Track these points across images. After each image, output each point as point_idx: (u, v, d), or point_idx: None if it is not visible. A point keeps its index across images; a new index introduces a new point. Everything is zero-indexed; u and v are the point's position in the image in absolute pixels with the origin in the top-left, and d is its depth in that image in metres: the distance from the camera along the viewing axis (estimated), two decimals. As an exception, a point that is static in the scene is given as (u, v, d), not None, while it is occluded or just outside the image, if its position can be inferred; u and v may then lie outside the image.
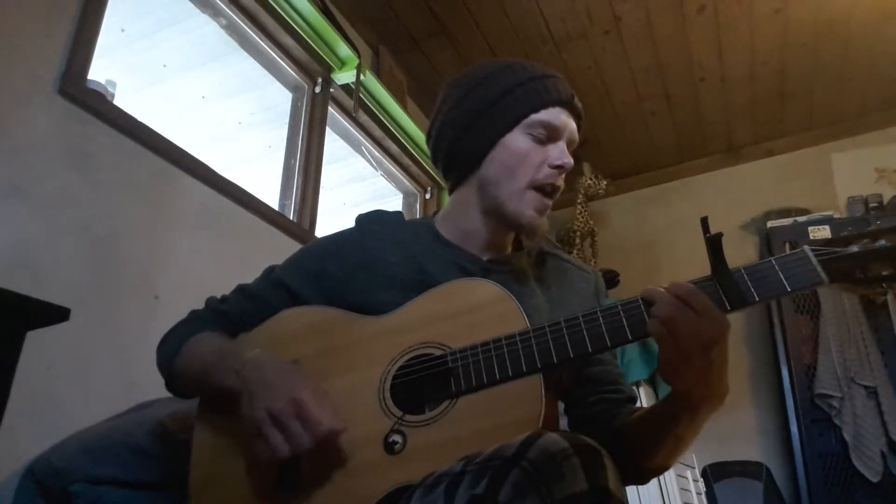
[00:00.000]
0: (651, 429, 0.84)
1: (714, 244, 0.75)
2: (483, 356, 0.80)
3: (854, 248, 0.74)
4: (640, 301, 0.77)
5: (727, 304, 0.74)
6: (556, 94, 0.95)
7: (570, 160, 0.93)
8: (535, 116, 0.93)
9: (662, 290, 0.74)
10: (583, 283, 1.03)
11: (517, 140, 0.93)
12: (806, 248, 0.75)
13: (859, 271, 0.73)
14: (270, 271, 1.03)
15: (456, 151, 0.98)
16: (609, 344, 0.77)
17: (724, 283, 0.75)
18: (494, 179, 0.94)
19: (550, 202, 0.94)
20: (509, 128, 0.94)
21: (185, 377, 0.95)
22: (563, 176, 0.94)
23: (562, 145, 0.94)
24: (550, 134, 0.94)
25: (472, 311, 0.84)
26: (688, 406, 0.77)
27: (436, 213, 1.06)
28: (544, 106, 0.94)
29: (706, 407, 0.76)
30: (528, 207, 0.92)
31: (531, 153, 0.93)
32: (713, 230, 0.75)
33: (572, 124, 0.96)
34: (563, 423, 0.96)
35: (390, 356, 0.85)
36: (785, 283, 0.74)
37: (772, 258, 0.76)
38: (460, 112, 0.97)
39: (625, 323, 0.77)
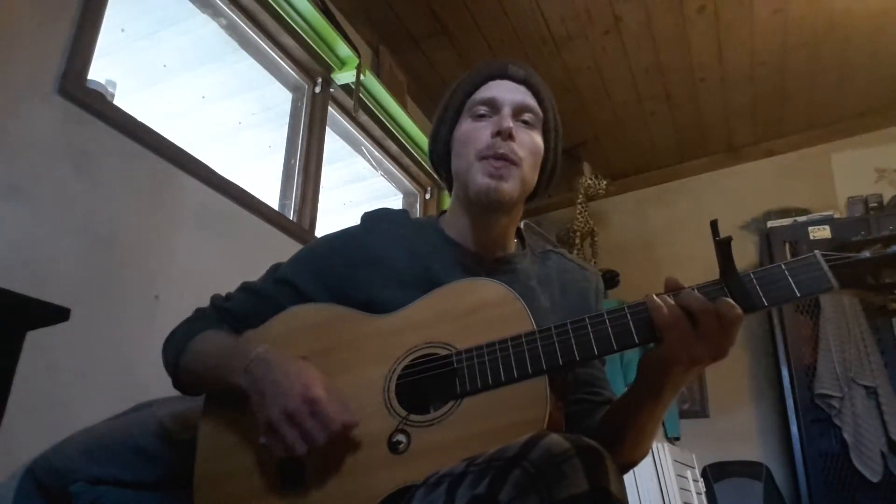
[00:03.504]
0: (615, 421, 0.87)
1: (723, 248, 0.74)
2: (489, 357, 0.79)
3: (866, 254, 0.72)
4: (648, 305, 0.76)
5: None
6: (487, 71, 1.00)
7: (507, 124, 0.93)
8: (470, 99, 1.00)
9: (672, 302, 0.74)
10: (584, 282, 1.04)
11: (462, 126, 0.99)
12: (817, 252, 0.74)
13: (870, 277, 0.71)
14: (276, 269, 1.02)
15: (435, 158, 1.06)
16: (615, 346, 0.77)
17: (733, 288, 0.74)
18: (457, 169, 0.99)
19: (501, 165, 0.92)
20: (455, 120, 1.01)
21: (192, 374, 0.94)
22: (511, 142, 0.93)
23: (505, 112, 0.96)
24: (490, 108, 0.97)
25: (478, 311, 0.84)
26: (651, 393, 0.80)
27: (442, 213, 1.08)
28: (477, 86, 1.00)
29: (670, 387, 0.79)
30: (478, 175, 0.93)
31: (474, 131, 0.96)
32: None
33: (516, 94, 0.98)
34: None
35: (395, 355, 0.85)
36: (794, 288, 0.73)
37: (781, 263, 0.75)
38: (434, 123, 1.06)
39: (632, 326, 0.77)
